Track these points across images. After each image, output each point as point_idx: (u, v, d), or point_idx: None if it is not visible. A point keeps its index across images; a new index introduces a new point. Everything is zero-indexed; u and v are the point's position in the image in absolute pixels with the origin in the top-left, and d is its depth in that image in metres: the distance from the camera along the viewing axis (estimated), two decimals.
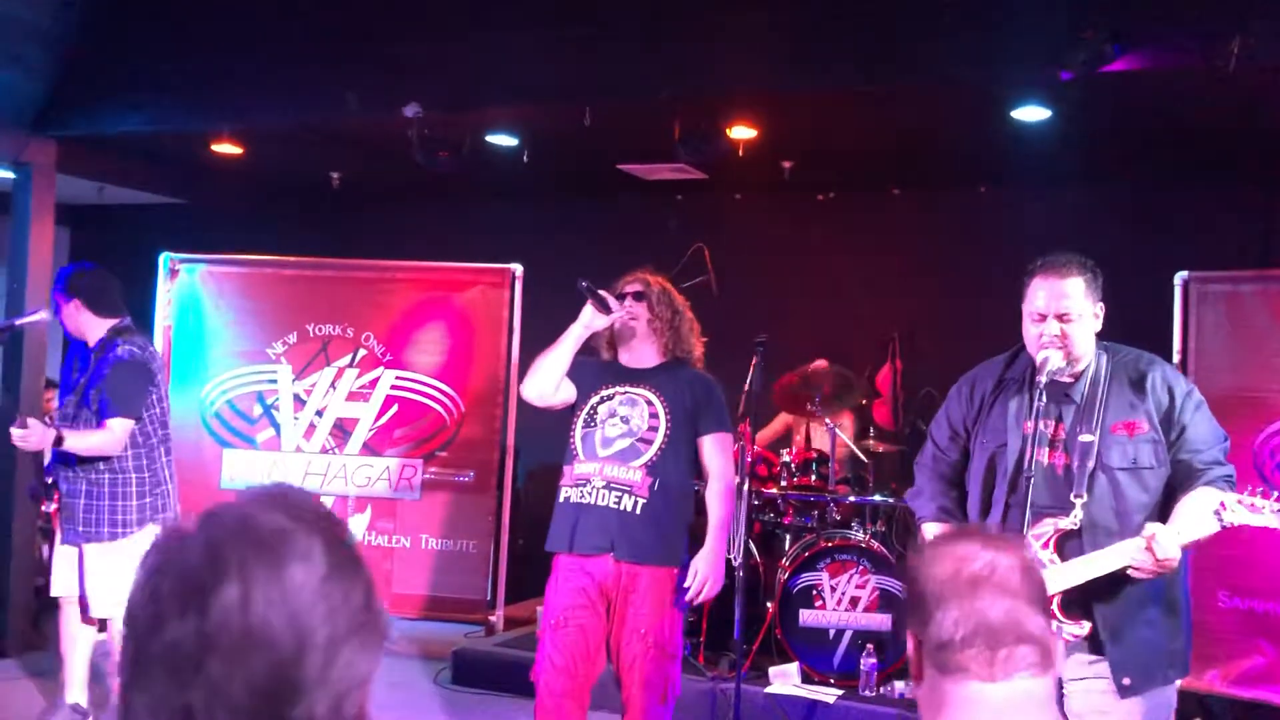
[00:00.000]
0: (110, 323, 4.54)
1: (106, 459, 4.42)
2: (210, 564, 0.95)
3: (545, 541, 3.76)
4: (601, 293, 3.69)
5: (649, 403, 3.70)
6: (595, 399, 3.75)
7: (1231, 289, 5.18)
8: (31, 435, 4.22)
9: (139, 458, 4.51)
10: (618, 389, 3.75)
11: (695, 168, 6.51)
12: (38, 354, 6.21)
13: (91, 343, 4.55)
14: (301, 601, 0.95)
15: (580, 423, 3.74)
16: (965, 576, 1.49)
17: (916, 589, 1.54)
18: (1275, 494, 2.62)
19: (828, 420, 5.93)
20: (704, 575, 3.65)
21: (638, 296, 3.78)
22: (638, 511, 3.59)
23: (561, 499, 3.72)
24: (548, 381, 3.71)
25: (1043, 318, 2.83)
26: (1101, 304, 2.89)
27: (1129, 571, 2.65)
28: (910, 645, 1.56)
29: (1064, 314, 2.81)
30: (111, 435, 4.39)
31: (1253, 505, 2.61)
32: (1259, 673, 4.95)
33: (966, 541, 1.54)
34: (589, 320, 3.69)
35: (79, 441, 4.33)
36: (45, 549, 4.69)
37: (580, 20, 5.36)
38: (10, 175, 6.51)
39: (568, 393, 3.76)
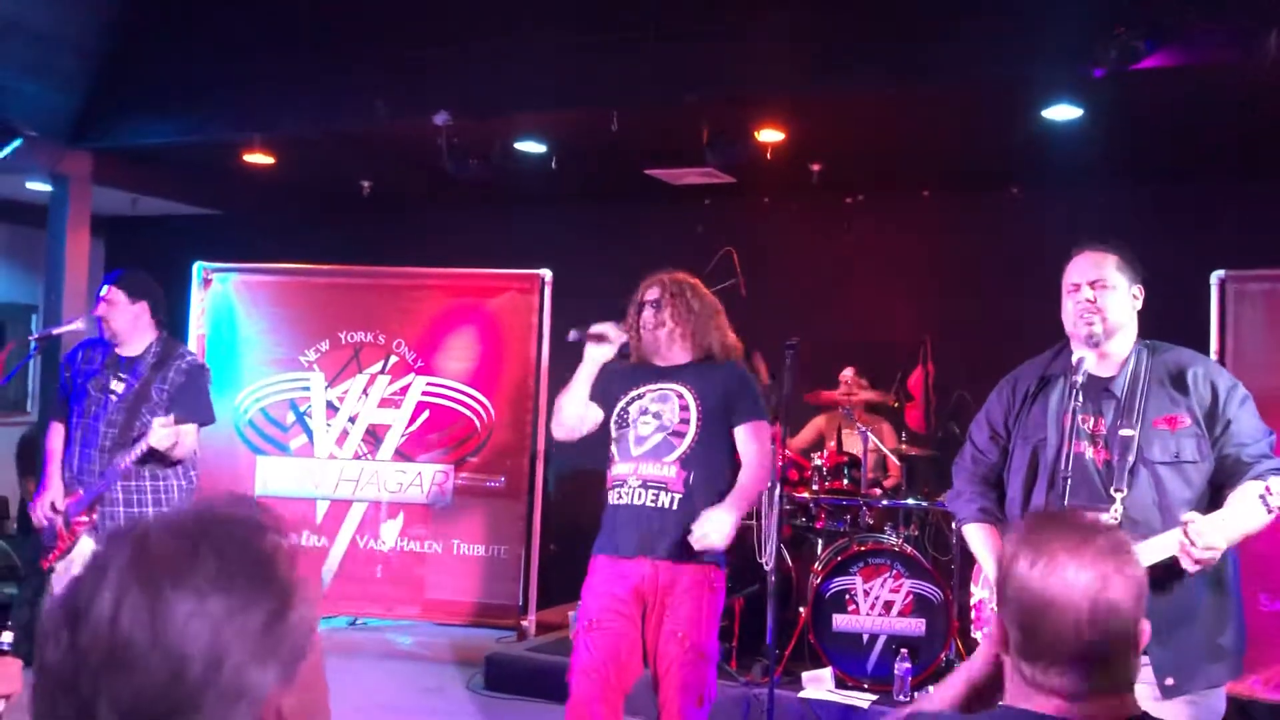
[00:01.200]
0: (158, 332, 4.60)
1: (152, 468, 4.44)
2: (92, 583, 0.94)
3: (578, 546, 3.77)
4: (594, 329, 3.68)
5: (679, 395, 3.66)
6: (625, 400, 3.72)
7: (1269, 288, 5.11)
8: (162, 432, 4.24)
9: (176, 465, 4.54)
10: (648, 387, 3.71)
11: (723, 171, 6.50)
12: None
13: (134, 350, 4.54)
14: (174, 625, 0.92)
15: (614, 424, 3.73)
16: (1066, 604, 1.48)
17: (1013, 584, 1.54)
18: None
19: (860, 425, 5.90)
20: (710, 525, 3.46)
21: (656, 305, 3.72)
22: (674, 508, 3.56)
23: (608, 503, 3.71)
24: (571, 418, 3.74)
25: (1077, 287, 2.87)
26: (1140, 287, 2.89)
27: (1181, 562, 2.60)
28: (997, 624, 1.59)
29: (1097, 280, 2.84)
30: (193, 440, 4.47)
31: None
32: None
33: (1078, 557, 1.50)
34: (595, 356, 3.70)
35: (185, 447, 4.41)
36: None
37: (607, 26, 5.37)
38: (47, 188, 6.60)
39: (595, 418, 3.77)
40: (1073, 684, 1.49)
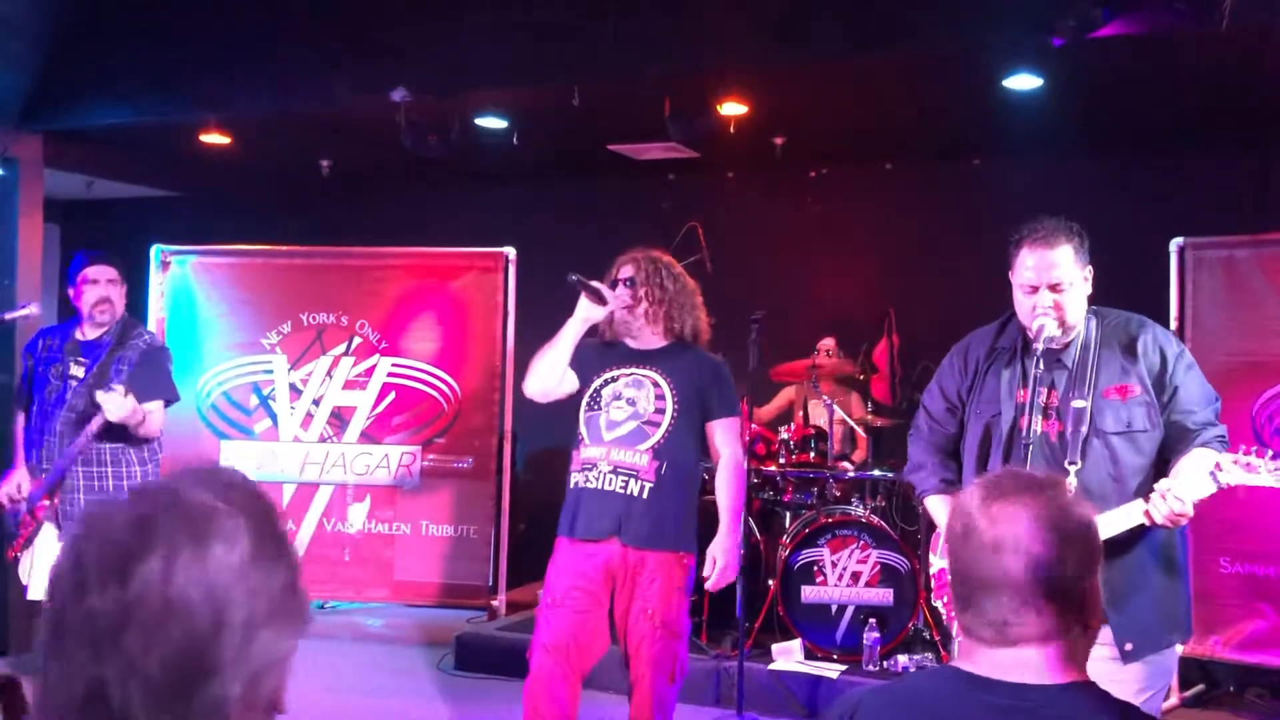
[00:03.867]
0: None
1: (114, 453, 4.39)
2: (136, 536, 0.96)
3: (547, 526, 3.75)
4: (594, 284, 3.59)
5: (655, 384, 3.64)
6: (599, 381, 3.68)
7: (1227, 254, 5.16)
8: (119, 403, 4.11)
9: (141, 449, 4.50)
10: (622, 370, 3.68)
11: (686, 146, 6.47)
12: None
13: (95, 332, 4.49)
14: (222, 580, 0.96)
15: (585, 405, 3.69)
16: (987, 541, 1.49)
17: (955, 525, 1.56)
18: (1270, 453, 2.60)
19: (825, 397, 5.92)
20: (722, 564, 3.65)
21: (629, 282, 3.68)
22: (644, 496, 3.55)
23: (571, 484, 3.68)
24: (549, 379, 3.65)
25: (1034, 289, 2.80)
26: (1090, 268, 2.86)
27: (1143, 518, 2.64)
28: (942, 594, 1.58)
29: (1056, 284, 2.78)
30: (161, 418, 4.42)
31: (1249, 465, 2.59)
32: (1261, 637, 4.95)
33: (1014, 502, 1.50)
34: (586, 314, 3.60)
35: (153, 424, 4.36)
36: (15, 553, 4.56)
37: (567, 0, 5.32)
38: None
39: (571, 384, 3.71)
40: (988, 628, 1.48)
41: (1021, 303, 2.85)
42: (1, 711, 1.35)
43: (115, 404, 4.12)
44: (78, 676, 0.94)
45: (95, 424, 4.26)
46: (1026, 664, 1.48)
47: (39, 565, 4.49)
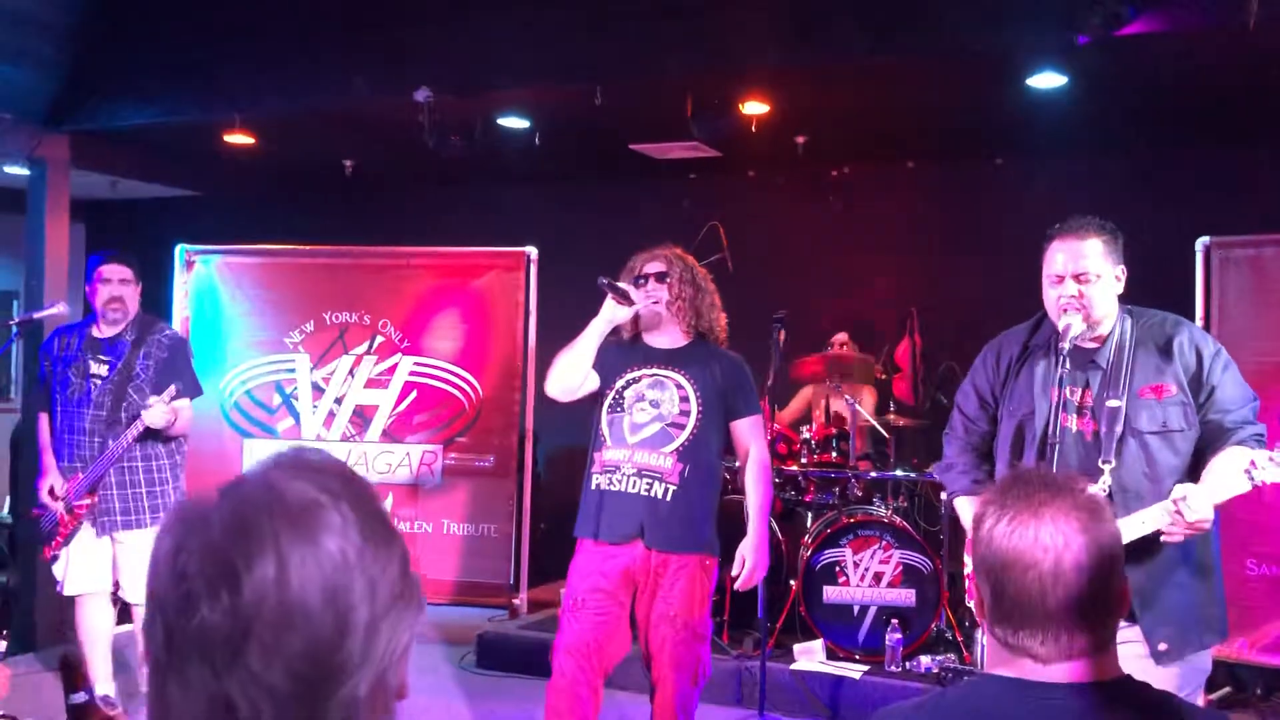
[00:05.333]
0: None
1: (143, 450, 4.45)
2: (240, 539, 0.89)
3: (568, 525, 3.74)
4: (622, 285, 3.59)
5: (679, 386, 3.62)
6: (621, 382, 3.66)
7: (1254, 253, 5.12)
8: (161, 412, 4.30)
9: (170, 444, 4.56)
10: (644, 371, 3.66)
11: (708, 145, 6.47)
12: None
13: (113, 330, 4.54)
14: (340, 575, 0.90)
15: (607, 407, 3.67)
16: (1031, 561, 1.46)
17: (980, 544, 1.52)
18: None
19: (847, 396, 5.90)
20: (751, 563, 3.63)
21: (660, 278, 3.67)
22: (668, 499, 3.54)
23: (591, 486, 3.65)
24: (571, 379, 3.63)
25: (1060, 279, 2.80)
26: (1123, 267, 2.85)
27: (1161, 536, 2.62)
28: (975, 594, 1.57)
29: (1081, 274, 2.77)
30: (190, 415, 4.55)
31: None
32: None
33: (1040, 515, 1.47)
34: (611, 315, 3.59)
35: (184, 421, 4.49)
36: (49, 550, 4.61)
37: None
38: (24, 172, 6.53)
39: (592, 383, 3.68)
40: (1042, 645, 1.46)
41: (1048, 294, 2.85)
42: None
43: (158, 414, 4.29)
44: (199, 694, 0.88)
45: (135, 430, 4.35)
46: (1069, 671, 1.48)
47: (75, 563, 4.56)
